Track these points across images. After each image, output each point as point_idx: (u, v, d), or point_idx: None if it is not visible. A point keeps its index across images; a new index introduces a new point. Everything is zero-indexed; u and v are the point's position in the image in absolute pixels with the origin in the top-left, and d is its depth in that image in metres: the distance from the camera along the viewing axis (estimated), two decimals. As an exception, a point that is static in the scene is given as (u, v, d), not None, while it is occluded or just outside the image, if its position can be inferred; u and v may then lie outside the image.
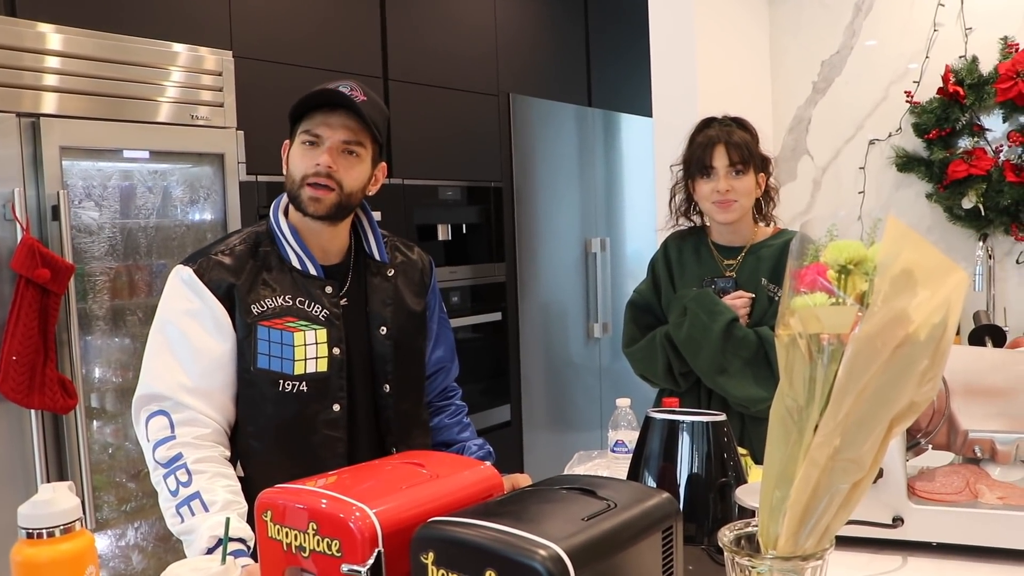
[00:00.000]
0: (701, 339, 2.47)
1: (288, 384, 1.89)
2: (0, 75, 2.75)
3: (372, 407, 2.02)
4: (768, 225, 2.65)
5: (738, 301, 2.50)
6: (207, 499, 1.74)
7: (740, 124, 2.57)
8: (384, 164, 2.05)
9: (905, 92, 3.87)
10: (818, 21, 4.12)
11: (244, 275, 1.91)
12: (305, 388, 1.90)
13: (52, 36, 2.88)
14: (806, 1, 4.14)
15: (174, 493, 1.76)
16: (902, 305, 1.06)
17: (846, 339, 1.10)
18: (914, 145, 3.88)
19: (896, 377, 1.07)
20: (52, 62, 2.88)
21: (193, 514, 1.74)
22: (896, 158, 3.90)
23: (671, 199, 2.68)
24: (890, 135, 3.95)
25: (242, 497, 1.81)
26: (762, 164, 2.57)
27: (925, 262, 1.08)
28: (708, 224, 2.65)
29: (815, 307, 1.11)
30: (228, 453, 1.89)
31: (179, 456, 1.79)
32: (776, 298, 2.48)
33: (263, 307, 1.89)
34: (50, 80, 2.87)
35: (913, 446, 1.84)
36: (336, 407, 1.93)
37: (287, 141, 1.99)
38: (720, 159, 2.49)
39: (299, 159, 1.92)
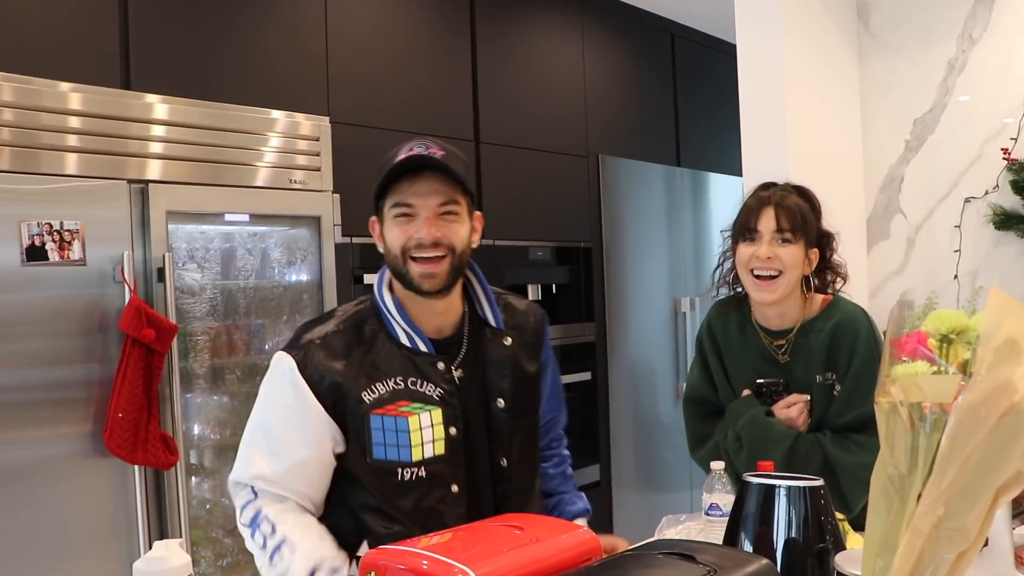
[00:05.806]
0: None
1: (407, 472, 1.82)
2: (112, 144, 2.88)
3: (490, 480, 1.94)
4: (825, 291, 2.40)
5: (793, 410, 2.26)
6: (294, 540, 1.78)
7: (800, 192, 2.34)
8: (479, 213, 1.95)
9: (1002, 149, 3.81)
10: (910, 79, 4.09)
11: (351, 362, 1.85)
12: (424, 473, 1.83)
13: (159, 106, 3.01)
14: (898, 59, 4.12)
15: (263, 547, 1.81)
16: (1007, 374, 1.05)
17: (949, 408, 1.09)
18: (1012, 202, 3.81)
19: (1001, 447, 1.06)
20: (158, 131, 3.00)
21: (283, 559, 1.78)
22: (993, 216, 3.83)
23: (717, 267, 2.46)
24: (987, 193, 3.89)
25: (326, 531, 1.86)
26: (817, 239, 2.33)
27: (1029, 331, 1.08)
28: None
29: (917, 376, 1.11)
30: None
31: (258, 512, 1.84)
32: (835, 389, 2.27)
33: (373, 393, 1.83)
34: (156, 148, 2.99)
35: (1019, 514, 1.80)
36: (455, 487, 1.86)
37: (373, 218, 1.91)
38: (766, 222, 2.25)
39: (398, 235, 1.83)
